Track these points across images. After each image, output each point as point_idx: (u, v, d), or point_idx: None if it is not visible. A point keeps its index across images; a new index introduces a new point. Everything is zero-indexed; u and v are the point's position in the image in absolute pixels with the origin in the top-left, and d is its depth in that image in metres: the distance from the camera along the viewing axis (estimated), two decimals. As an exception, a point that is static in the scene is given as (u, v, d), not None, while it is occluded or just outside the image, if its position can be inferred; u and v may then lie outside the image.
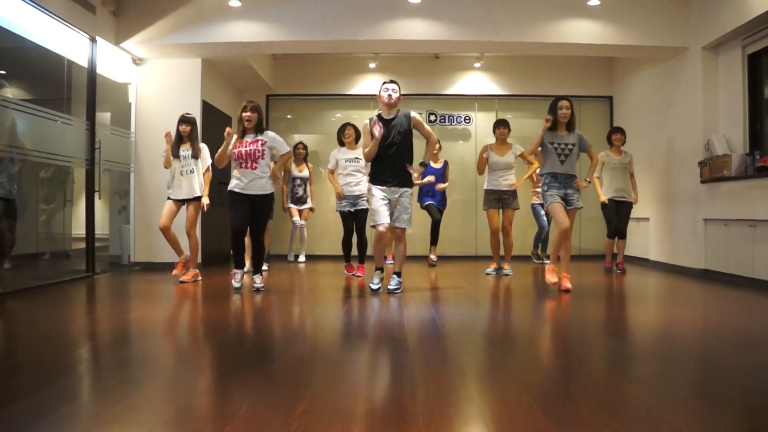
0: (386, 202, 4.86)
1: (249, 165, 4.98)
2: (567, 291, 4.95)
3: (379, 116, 4.96)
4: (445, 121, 9.06)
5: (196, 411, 2.13)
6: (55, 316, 4.16)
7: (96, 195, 6.17)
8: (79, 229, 6.39)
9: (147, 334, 3.56)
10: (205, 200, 5.71)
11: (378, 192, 4.87)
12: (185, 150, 5.69)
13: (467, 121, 9.07)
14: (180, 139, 5.71)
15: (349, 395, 2.27)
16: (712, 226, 6.17)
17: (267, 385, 2.37)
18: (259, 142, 5.02)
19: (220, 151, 5.00)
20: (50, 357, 2.88)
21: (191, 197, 5.69)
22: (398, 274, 5.08)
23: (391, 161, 4.89)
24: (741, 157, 5.77)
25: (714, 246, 6.14)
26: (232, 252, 5.20)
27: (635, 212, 7.50)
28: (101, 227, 7.42)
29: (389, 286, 4.99)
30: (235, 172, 5.05)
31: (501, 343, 3.34)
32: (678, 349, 3.11)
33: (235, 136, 5.02)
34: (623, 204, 6.62)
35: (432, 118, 9.04)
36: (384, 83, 5.03)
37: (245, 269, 5.36)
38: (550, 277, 5.13)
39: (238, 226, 5.00)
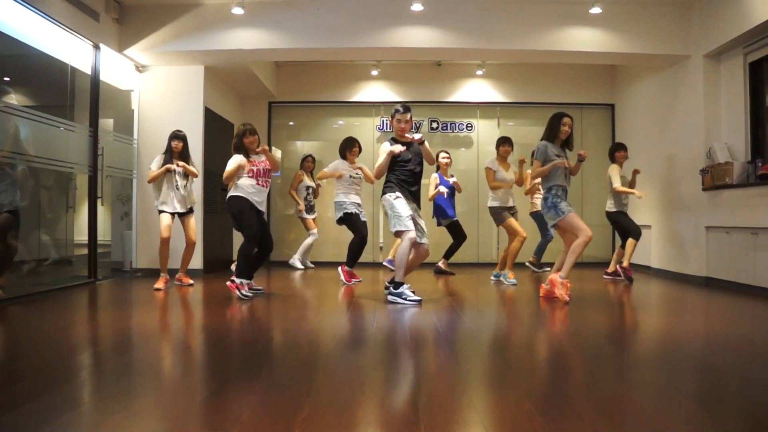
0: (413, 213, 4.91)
1: (264, 183, 5.16)
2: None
3: (394, 139, 5.03)
4: (447, 129, 9.08)
5: (198, 418, 2.13)
6: (58, 322, 4.17)
7: (98, 201, 6.19)
8: (81, 235, 6.41)
9: (149, 341, 3.56)
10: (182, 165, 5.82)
11: (407, 203, 4.86)
12: (179, 167, 5.82)
13: (469, 128, 9.09)
14: (172, 154, 5.80)
15: (350, 402, 2.26)
16: (713, 233, 6.17)
17: (268, 392, 2.37)
18: (264, 162, 5.21)
19: (230, 172, 5.05)
20: (52, 363, 2.88)
21: (186, 210, 5.88)
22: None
23: (416, 182, 4.99)
24: (743, 165, 5.77)
25: (716, 254, 6.13)
26: (242, 261, 5.04)
27: (637, 219, 7.49)
28: (103, 233, 7.44)
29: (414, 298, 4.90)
30: (247, 187, 5.05)
31: (502, 351, 3.33)
32: (679, 357, 3.10)
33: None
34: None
35: (434, 125, 9.06)
36: (397, 112, 4.99)
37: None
38: (565, 294, 4.88)
39: (255, 233, 5.04)
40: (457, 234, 7.24)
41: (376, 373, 2.77)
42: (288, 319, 4.30)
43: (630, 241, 6.57)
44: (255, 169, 5.10)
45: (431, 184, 7.09)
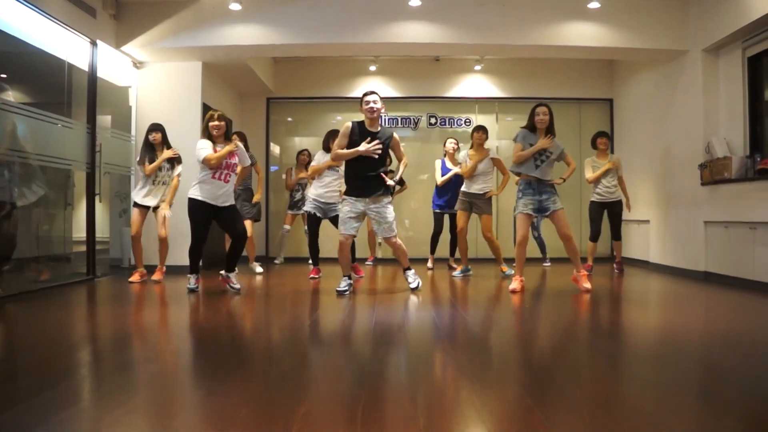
0: (355, 214, 4.93)
1: (224, 177, 4.99)
2: (588, 291, 5.11)
3: (362, 125, 4.98)
4: (445, 124, 9.07)
5: (197, 414, 2.13)
6: (56, 319, 4.16)
7: (96, 198, 6.18)
8: (79, 232, 6.40)
9: (147, 338, 3.56)
10: (167, 212, 5.86)
11: (350, 203, 4.93)
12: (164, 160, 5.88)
13: (467, 123, 9.08)
14: (152, 147, 5.87)
15: (349, 397, 2.26)
16: (712, 228, 6.17)
17: (267, 388, 2.37)
18: (235, 156, 5.07)
19: (220, 154, 4.94)
20: (51, 360, 2.88)
21: (157, 204, 5.95)
22: (409, 268, 5.21)
23: (367, 174, 4.91)
24: (741, 159, 5.77)
25: (714, 248, 6.13)
26: (189, 258, 5.20)
27: (636, 214, 7.50)
28: (102, 230, 7.42)
29: (412, 285, 5.09)
30: (203, 181, 4.96)
31: (501, 346, 3.33)
32: (678, 352, 3.10)
33: (227, 147, 4.99)
34: (613, 204, 6.64)
35: (432, 120, 9.05)
36: (364, 95, 5.01)
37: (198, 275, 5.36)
38: (515, 286, 5.14)
39: (203, 234, 5.07)
40: (438, 225, 7.22)
41: (375, 368, 2.77)
42: (286, 315, 4.30)
43: (588, 243, 6.79)
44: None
45: (437, 170, 7.04)
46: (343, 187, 5.66)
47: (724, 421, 2.03)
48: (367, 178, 4.92)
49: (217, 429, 1.91)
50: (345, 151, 4.89)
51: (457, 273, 6.54)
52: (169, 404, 2.23)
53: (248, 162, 5.33)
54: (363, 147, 4.82)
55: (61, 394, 2.28)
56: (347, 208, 4.95)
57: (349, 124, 4.95)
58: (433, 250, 7.40)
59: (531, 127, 5.15)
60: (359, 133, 4.91)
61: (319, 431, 1.90)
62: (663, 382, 2.51)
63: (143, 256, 6.05)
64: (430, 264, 7.40)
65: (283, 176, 8.02)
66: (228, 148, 4.95)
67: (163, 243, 5.97)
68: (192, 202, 4.99)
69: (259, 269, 6.84)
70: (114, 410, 2.09)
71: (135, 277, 5.88)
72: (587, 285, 5.14)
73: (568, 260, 5.35)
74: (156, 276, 5.96)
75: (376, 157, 4.87)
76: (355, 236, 5.05)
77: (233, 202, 5.17)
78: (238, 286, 5.17)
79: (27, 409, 2.10)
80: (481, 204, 6.36)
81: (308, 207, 6.16)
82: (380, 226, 4.98)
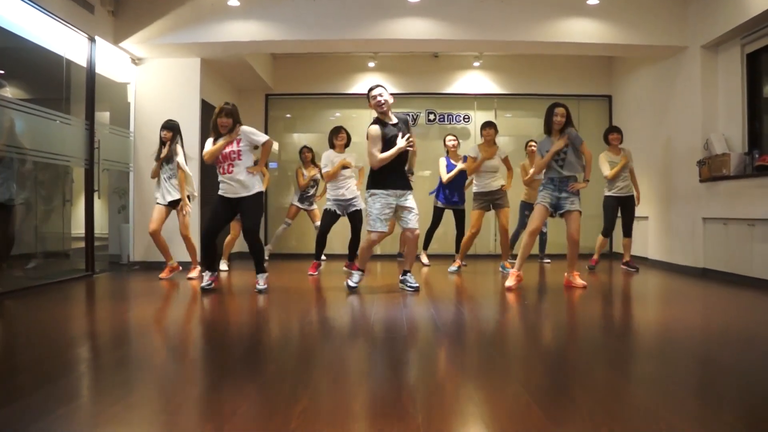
0: (390, 210, 4.84)
1: (227, 168, 4.90)
2: (584, 287, 5.17)
3: (380, 120, 4.89)
4: (444, 120, 9.06)
5: (195, 410, 2.13)
6: (55, 315, 4.16)
7: (95, 194, 6.18)
8: (78, 228, 6.39)
9: (146, 334, 3.56)
10: (187, 208, 5.86)
11: (382, 198, 4.82)
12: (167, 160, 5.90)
13: (466, 120, 9.08)
14: (163, 145, 5.86)
15: (347, 394, 2.27)
16: (710, 225, 6.17)
17: (266, 385, 2.38)
18: (234, 143, 4.92)
19: (211, 150, 4.89)
20: (50, 357, 2.88)
21: (175, 200, 5.90)
22: (410, 272, 5.16)
23: (399, 166, 4.90)
24: (740, 156, 5.77)
25: (713, 245, 6.14)
26: (201, 251, 5.18)
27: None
28: (100, 227, 7.42)
29: (414, 285, 5.04)
30: (219, 178, 5.00)
31: (500, 342, 3.34)
32: (677, 349, 3.11)
33: (222, 141, 4.91)
34: (628, 199, 6.60)
35: (431, 117, 9.05)
36: (370, 90, 4.94)
37: (214, 272, 5.24)
38: (512, 282, 5.10)
39: (206, 226, 5.05)
40: (436, 220, 7.11)
41: (374, 365, 2.77)
42: (285, 311, 4.30)
43: (599, 237, 6.80)
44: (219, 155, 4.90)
45: (441, 167, 6.87)
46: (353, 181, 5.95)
47: (722, 417, 2.03)
48: (402, 170, 4.93)
49: (216, 425, 1.91)
50: (388, 153, 4.76)
51: (454, 268, 6.56)
52: (168, 400, 2.23)
53: (262, 139, 5.04)
54: (402, 143, 4.78)
55: (60, 390, 2.28)
56: (380, 204, 4.80)
57: (376, 127, 4.81)
58: (426, 246, 7.36)
59: (548, 131, 5.17)
60: (385, 129, 4.83)
61: (317, 428, 1.90)
62: (662, 378, 2.52)
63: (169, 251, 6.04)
64: (426, 260, 7.36)
65: (291, 177, 7.83)
66: (221, 142, 4.88)
67: (186, 240, 5.95)
68: (217, 197, 5.08)
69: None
70: (113, 406, 2.10)
71: (165, 273, 5.94)
72: (582, 282, 5.19)
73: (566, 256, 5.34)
74: (192, 273, 5.98)
75: (411, 149, 4.89)
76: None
77: (250, 193, 4.95)
78: (262, 286, 4.99)
79: (26, 406, 2.10)
80: (500, 199, 6.39)
81: (329, 205, 6.10)
82: (411, 215, 4.90)
